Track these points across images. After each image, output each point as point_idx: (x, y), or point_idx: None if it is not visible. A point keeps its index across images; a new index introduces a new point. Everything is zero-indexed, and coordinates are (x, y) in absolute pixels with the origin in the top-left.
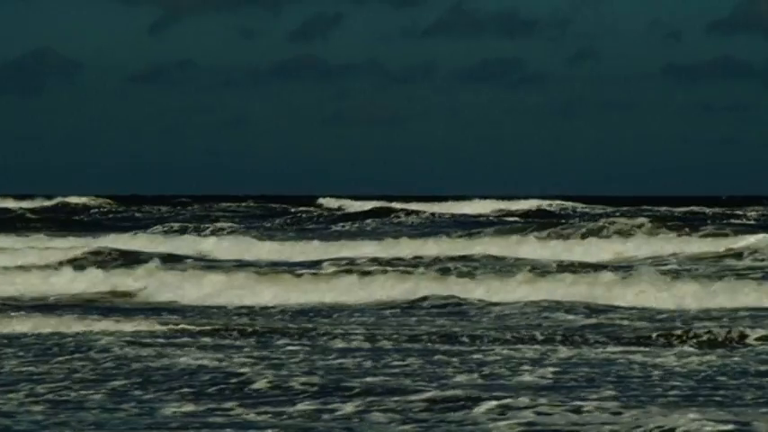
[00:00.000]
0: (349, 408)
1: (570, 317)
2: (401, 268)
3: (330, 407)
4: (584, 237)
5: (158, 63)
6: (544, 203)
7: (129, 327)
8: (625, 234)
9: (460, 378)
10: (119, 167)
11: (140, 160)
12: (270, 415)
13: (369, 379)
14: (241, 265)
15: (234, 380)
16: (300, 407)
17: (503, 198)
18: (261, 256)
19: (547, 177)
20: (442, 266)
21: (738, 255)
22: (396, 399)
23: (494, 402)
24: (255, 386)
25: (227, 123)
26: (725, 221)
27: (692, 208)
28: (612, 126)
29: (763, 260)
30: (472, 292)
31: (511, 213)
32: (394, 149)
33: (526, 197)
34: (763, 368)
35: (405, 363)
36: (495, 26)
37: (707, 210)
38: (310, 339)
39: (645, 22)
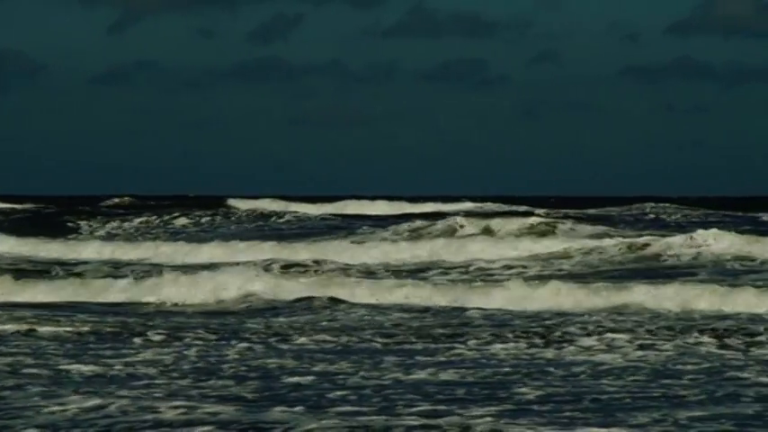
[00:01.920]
0: None
1: None
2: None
3: None
4: (433, 237)
5: (118, 64)
6: (471, 206)
7: None
8: (484, 235)
9: None
10: (81, 168)
11: (103, 161)
12: None
13: None
14: None
15: None
16: None
17: (444, 198)
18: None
19: (507, 178)
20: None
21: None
22: None
23: None
24: None
25: (189, 124)
26: (623, 223)
27: (607, 209)
28: (574, 127)
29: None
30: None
31: (407, 215)
32: (357, 150)
33: (471, 198)
34: None
35: None
36: (456, 27)
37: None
38: None
39: (604, 24)
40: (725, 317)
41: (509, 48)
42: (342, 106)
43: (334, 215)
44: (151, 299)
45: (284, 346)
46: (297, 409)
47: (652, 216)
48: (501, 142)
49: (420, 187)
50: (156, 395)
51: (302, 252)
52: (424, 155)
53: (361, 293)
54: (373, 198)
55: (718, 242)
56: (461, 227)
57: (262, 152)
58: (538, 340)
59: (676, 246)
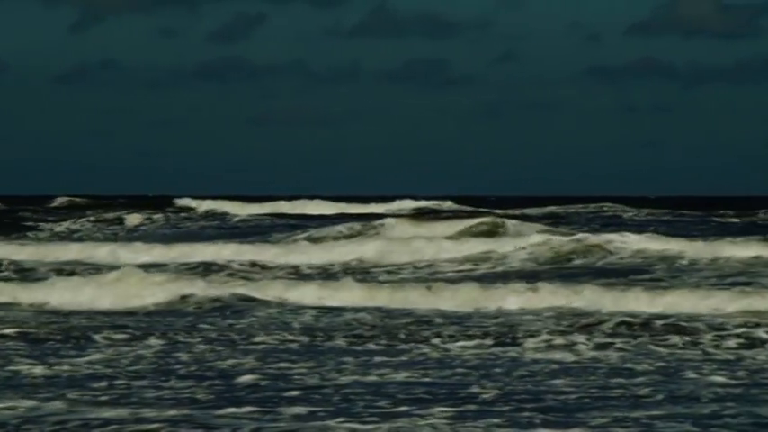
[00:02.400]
0: None
1: None
2: None
3: None
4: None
5: (80, 64)
6: (425, 204)
7: None
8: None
9: None
10: (38, 166)
11: (66, 160)
12: None
13: None
14: None
15: None
16: None
17: (404, 197)
18: None
19: (470, 177)
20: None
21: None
22: None
23: None
24: None
25: (152, 124)
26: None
27: (551, 208)
28: (536, 127)
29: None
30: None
31: (345, 215)
32: (320, 150)
33: (436, 198)
34: None
35: None
36: (418, 27)
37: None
38: None
39: (565, 25)
40: (661, 316)
41: (471, 48)
42: (304, 106)
43: (269, 215)
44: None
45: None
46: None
47: (609, 215)
48: (464, 142)
49: (383, 187)
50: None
51: (225, 252)
52: (388, 155)
53: (274, 292)
54: (335, 198)
55: (632, 244)
56: (393, 227)
57: (223, 152)
58: (488, 341)
59: (607, 246)
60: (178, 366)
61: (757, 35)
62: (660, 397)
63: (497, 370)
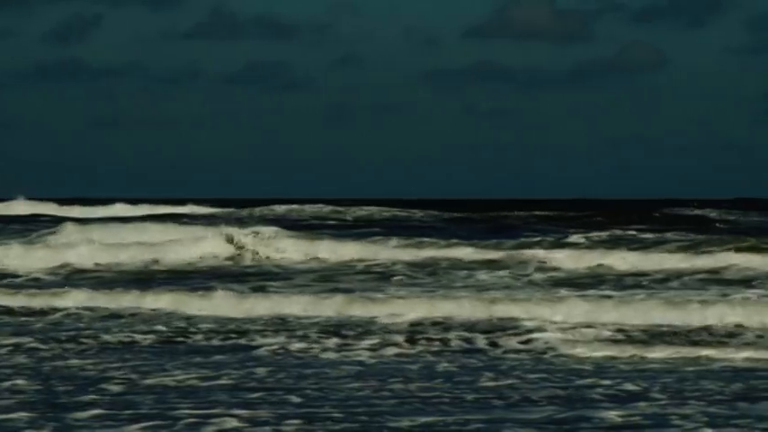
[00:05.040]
0: None
1: None
2: None
3: None
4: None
5: None
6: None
7: None
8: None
9: None
10: None
11: None
12: None
13: None
14: None
15: None
16: None
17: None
18: None
19: (311, 180)
20: None
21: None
22: None
23: None
24: None
25: None
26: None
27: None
28: (377, 130)
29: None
30: None
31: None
32: (159, 153)
33: (279, 201)
34: None
35: None
36: (256, 30)
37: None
38: None
39: (402, 28)
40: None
41: (311, 50)
42: (144, 108)
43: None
44: None
45: None
46: None
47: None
48: (304, 144)
49: (224, 190)
50: None
51: None
52: (229, 157)
53: None
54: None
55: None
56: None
57: (61, 154)
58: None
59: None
60: None
61: (591, 40)
62: None
63: None
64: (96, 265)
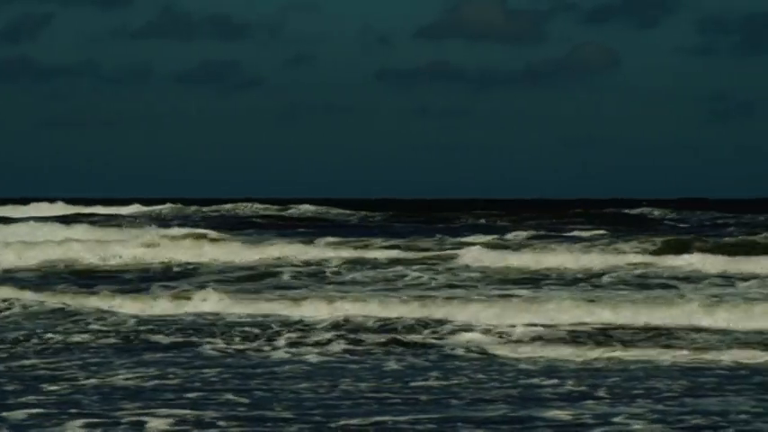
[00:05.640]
0: None
1: None
2: None
3: None
4: None
5: None
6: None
7: None
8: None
9: None
10: None
11: None
12: None
13: None
14: None
15: None
16: None
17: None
18: None
19: (264, 180)
20: None
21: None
22: None
23: None
24: None
25: None
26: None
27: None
28: (331, 130)
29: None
30: None
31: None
32: (112, 152)
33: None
34: None
35: None
36: (208, 29)
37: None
38: None
39: (355, 28)
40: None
41: (264, 50)
42: (95, 108)
43: None
44: None
45: None
46: None
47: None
48: (257, 144)
49: (175, 190)
50: None
51: None
52: (181, 157)
53: None
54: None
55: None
56: None
57: (11, 155)
58: None
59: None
60: None
61: (543, 40)
62: None
63: None
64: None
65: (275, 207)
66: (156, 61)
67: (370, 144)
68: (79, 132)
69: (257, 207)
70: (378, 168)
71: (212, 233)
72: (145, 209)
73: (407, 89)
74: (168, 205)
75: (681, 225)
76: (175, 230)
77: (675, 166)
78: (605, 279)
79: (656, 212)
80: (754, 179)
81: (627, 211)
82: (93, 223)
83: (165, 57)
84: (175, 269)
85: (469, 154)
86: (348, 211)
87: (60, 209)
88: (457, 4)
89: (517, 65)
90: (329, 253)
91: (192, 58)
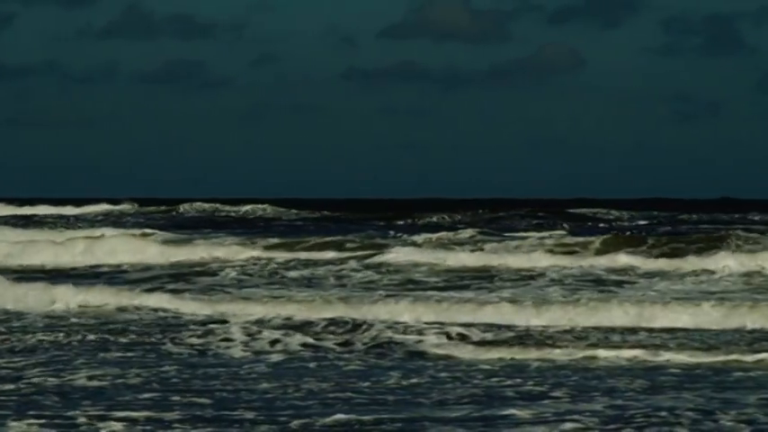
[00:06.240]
0: None
1: None
2: None
3: None
4: None
5: None
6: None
7: None
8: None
9: None
10: None
11: None
12: None
13: None
14: None
15: None
16: None
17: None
18: None
19: (231, 180)
20: None
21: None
22: None
23: None
24: None
25: None
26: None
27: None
28: (297, 129)
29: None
30: None
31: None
32: (77, 152)
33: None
34: None
35: None
36: (173, 29)
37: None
38: None
39: (320, 28)
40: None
41: (228, 50)
42: (60, 108)
43: None
44: None
45: None
46: None
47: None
48: (221, 144)
49: (143, 189)
50: None
51: None
52: (145, 156)
53: None
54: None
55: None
56: None
57: None
58: None
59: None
60: None
61: (507, 40)
62: None
63: None
64: None
65: (227, 208)
66: (121, 61)
67: (337, 144)
68: (43, 132)
69: (211, 206)
70: (344, 168)
71: (154, 232)
72: (110, 208)
73: (373, 89)
74: (125, 205)
75: (634, 224)
76: (110, 231)
77: (640, 167)
78: (540, 280)
79: (614, 213)
80: (718, 179)
81: (584, 211)
82: (17, 226)
83: (130, 56)
84: (105, 269)
85: (435, 154)
86: (306, 212)
87: (10, 210)
88: (422, 4)
89: (482, 65)
90: (253, 252)
91: (157, 57)
